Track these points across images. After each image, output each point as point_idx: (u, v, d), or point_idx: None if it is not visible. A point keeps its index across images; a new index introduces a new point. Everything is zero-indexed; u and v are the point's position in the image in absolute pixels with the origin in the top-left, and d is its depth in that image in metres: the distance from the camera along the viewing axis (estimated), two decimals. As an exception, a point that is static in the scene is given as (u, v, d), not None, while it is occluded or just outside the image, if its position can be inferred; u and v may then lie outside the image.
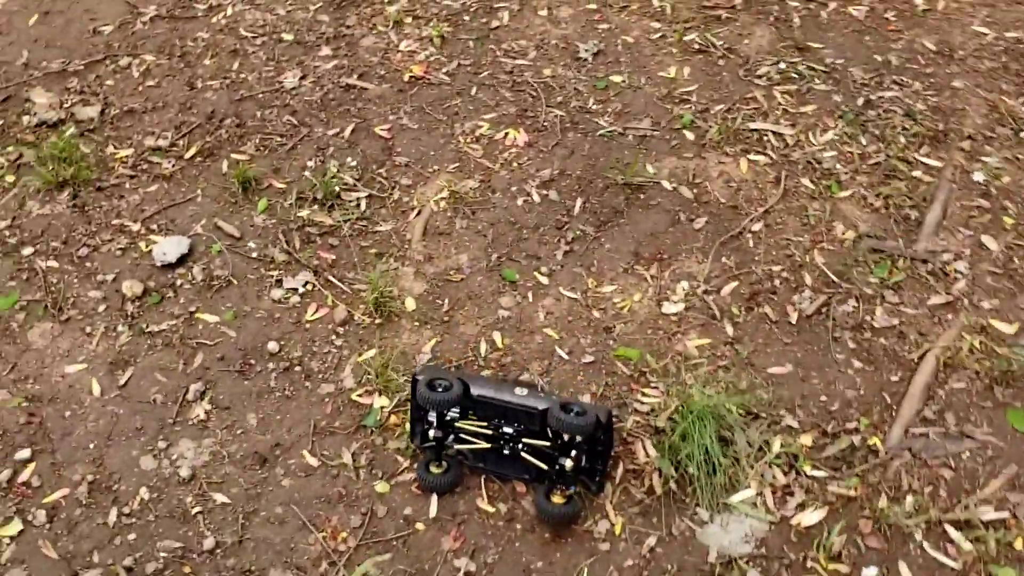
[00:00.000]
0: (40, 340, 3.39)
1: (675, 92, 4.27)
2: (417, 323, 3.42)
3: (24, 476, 3.02)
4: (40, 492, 2.99)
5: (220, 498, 2.97)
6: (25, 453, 3.07)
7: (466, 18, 4.74)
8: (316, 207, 3.80)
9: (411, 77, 4.38)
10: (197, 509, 2.95)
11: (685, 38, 4.53)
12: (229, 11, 4.80)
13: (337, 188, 3.84)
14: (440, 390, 2.82)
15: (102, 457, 3.07)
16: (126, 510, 2.95)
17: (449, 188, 3.86)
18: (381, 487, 2.97)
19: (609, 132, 4.09)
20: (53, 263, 3.61)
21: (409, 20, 4.71)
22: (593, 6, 4.77)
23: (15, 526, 2.90)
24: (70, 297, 3.51)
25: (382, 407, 3.15)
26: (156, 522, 2.92)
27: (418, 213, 3.79)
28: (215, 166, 3.99)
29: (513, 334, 3.38)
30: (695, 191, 3.82)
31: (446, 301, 3.49)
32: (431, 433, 2.91)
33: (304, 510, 2.93)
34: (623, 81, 4.34)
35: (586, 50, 4.49)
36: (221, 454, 3.09)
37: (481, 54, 4.52)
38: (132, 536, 2.89)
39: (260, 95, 4.30)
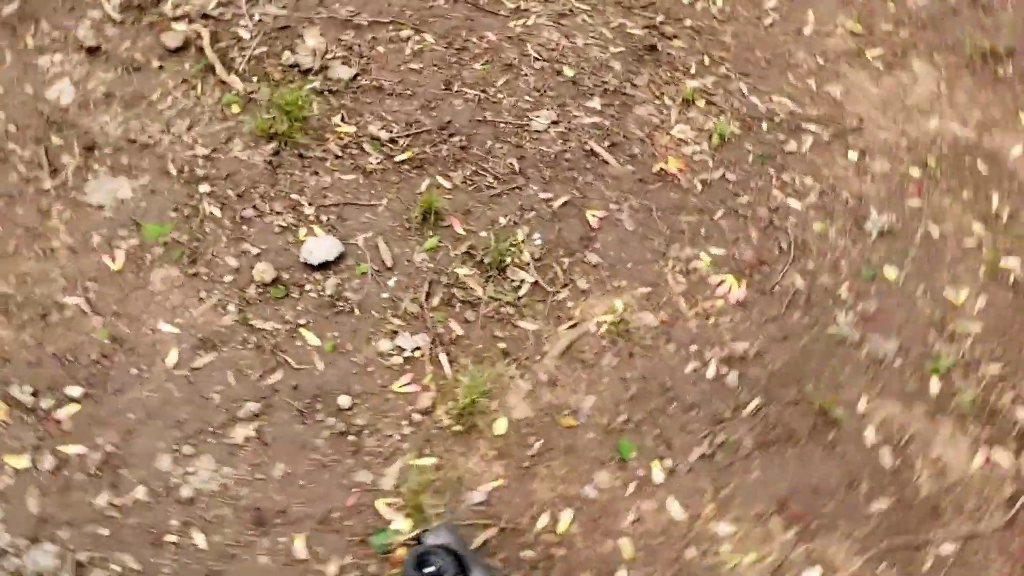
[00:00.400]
0: (159, 284, 3.30)
1: (949, 322, 3.36)
2: (493, 453, 2.95)
3: (61, 414, 2.95)
4: (64, 438, 2.90)
5: (199, 540, 2.73)
6: (76, 391, 2.99)
7: (764, 126, 4.04)
8: (476, 271, 3.39)
9: (661, 169, 3.79)
10: (172, 539, 2.73)
11: (1002, 261, 3.55)
12: (531, 20, 4.44)
13: (508, 259, 3.41)
14: (429, 569, 2.35)
15: (133, 433, 2.94)
16: (117, 501, 2.79)
17: (621, 314, 3.29)
18: (346, 623, 2.59)
19: (842, 334, 3.30)
20: (217, 210, 3.51)
21: (701, 103, 4.09)
22: (916, 173, 3.87)
23: (24, 460, 2.84)
24: (208, 253, 3.39)
25: (397, 532, 2.74)
26: (132, 530, 2.74)
27: (572, 326, 3.27)
28: (416, 181, 3.69)
29: (585, 525, 2.82)
30: (898, 461, 2.97)
31: (539, 444, 2.98)
32: (408, 604, 2.46)
33: (259, 602, 2.62)
34: (895, 280, 3.48)
35: (874, 222, 3.65)
36: (230, 491, 2.84)
37: (754, 174, 3.82)
38: (105, 532, 2.73)
39: (502, 124, 3.92)
